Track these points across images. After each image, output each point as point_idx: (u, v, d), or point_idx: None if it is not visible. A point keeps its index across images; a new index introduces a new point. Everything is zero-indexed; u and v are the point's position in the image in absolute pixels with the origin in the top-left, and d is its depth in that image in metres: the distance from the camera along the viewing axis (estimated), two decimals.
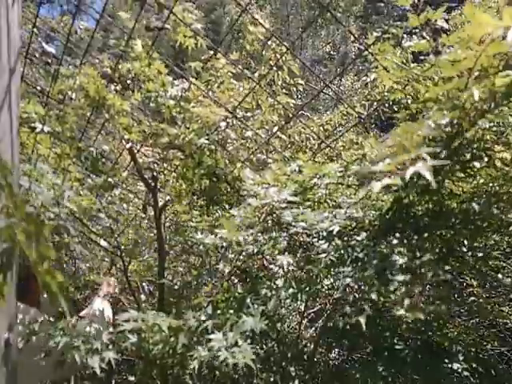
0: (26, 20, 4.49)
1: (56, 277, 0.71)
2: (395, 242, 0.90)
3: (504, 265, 1.42)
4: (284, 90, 3.94)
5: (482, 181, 1.07)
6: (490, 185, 1.03)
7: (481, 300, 1.91)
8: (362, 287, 0.89)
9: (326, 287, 1.24)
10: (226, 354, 0.96)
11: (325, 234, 1.09)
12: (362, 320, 0.83)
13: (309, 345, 2.31)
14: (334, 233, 1.05)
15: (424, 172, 0.78)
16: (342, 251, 0.97)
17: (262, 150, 3.61)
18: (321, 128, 4.50)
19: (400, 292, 0.81)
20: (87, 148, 2.58)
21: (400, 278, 0.82)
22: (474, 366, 1.10)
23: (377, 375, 0.94)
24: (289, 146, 4.08)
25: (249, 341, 0.96)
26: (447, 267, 0.91)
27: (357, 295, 0.91)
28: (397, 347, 1.02)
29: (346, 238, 1.02)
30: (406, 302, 0.82)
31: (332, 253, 0.99)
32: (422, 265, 0.85)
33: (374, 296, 0.82)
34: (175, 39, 2.78)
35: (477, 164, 0.94)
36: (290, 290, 1.05)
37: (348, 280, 0.88)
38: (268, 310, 0.96)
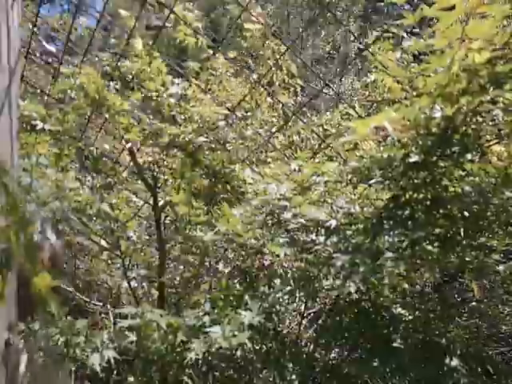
0: (26, 19, 4.49)
1: (46, 279, 0.71)
2: (388, 227, 0.92)
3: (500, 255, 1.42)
4: (282, 91, 3.95)
5: (477, 179, 1.07)
6: (486, 180, 1.04)
7: (482, 305, 1.91)
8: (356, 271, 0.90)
9: (324, 287, 1.25)
10: (222, 342, 0.96)
11: (323, 231, 1.09)
12: (352, 289, 0.85)
13: (308, 344, 2.31)
14: (332, 228, 1.06)
15: (386, 124, 0.85)
16: (339, 243, 0.98)
17: (261, 150, 3.61)
18: (320, 128, 4.49)
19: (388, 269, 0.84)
20: (87, 147, 2.58)
21: (389, 254, 0.86)
22: (473, 364, 1.11)
23: (375, 373, 0.94)
24: (288, 145, 4.08)
25: (246, 332, 0.96)
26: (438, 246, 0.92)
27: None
28: (395, 345, 1.03)
29: (342, 233, 1.03)
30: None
31: (329, 245, 1.01)
32: (413, 243, 0.87)
33: (362, 269, 0.84)
34: (175, 38, 2.78)
35: (469, 156, 0.96)
36: (288, 288, 1.05)
37: (341, 262, 0.90)
38: (266, 307, 0.96)
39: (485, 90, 0.94)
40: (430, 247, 0.89)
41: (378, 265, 0.84)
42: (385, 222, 0.94)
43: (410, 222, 0.91)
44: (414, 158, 0.93)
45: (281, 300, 1.01)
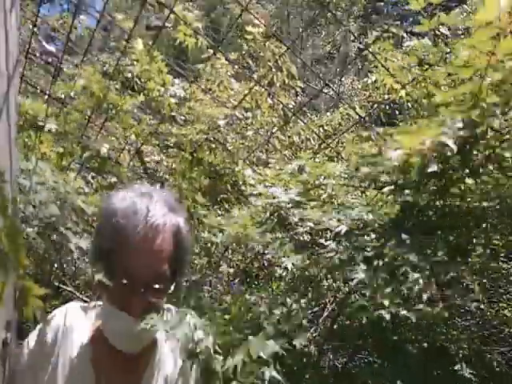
0: (26, 19, 4.49)
1: (33, 288, 0.67)
2: (406, 241, 0.90)
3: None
4: (283, 92, 3.95)
5: (490, 186, 1.06)
6: (501, 190, 1.03)
7: (484, 305, 1.90)
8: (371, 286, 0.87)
9: (332, 289, 1.24)
10: None
11: (332, 235, 1.08)
12: (387, 316, 0.80)
13: (308, 345, 2.31)
14: (342, 233, 1.05)
15: (447, 140, 0.81)
16: (352, 251, 0.95)
17: (261, 150, 3.62)
18: (320, 129, 4.50)
19: (413, 291, 0.81)
20: (89, 148, 2.58)
21: (415, 275, 0.81)
22: (479, 369, 1.10)
23: (381, 377, 0.93)
24: (289, 145, 4.09)
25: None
26: (459, 266, 0.91)
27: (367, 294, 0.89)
28: (404, 349, 1.02)
29: (354, 239, 1.02)
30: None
31: (341, 253, 0.98)
32: (434, 263, 0.84)
33: (387, 295, 0.81)
34: (175, 38, 2.78)
35: (490, 167, 0.94)
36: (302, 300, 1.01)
37: (359, 277, 0.87)
38: (284, 329, 0.91)
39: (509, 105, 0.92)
40: (452, 269, 0.87)
41: (399, 283, 0.81)
42: (401, 232, 0.92)
43: (427, 235, 0.89)
44: (433, 168, 0.90)
45: (294, 305, 0.98)
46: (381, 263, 0.90)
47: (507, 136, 0.96)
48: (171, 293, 1.07)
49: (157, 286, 1.01)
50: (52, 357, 1.07)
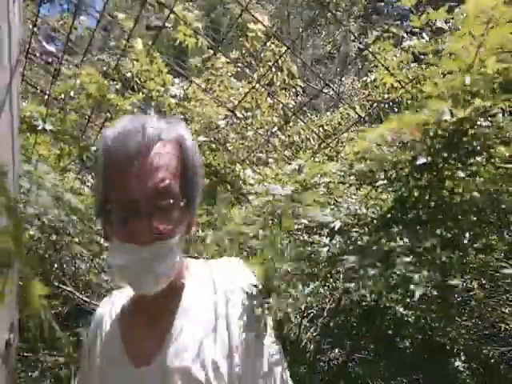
0: (26, 19, 4.49)
1: (37, 286, 0.66)
2: (397, 230, 0.89)
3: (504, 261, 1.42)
4: (283, 91, 3.96)
5: (481, 179, 1.07)
6: (491, 185, 1.03)
7: (482, 299, 1.91)
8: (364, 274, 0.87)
9: (328, 286, 1.25)
10: None
11: (327, 231, 1.09)
12: (366, 293, 0.81)
13: (309, 345, 2.31)
14: (336, 229, 1.05)
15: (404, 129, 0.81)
16: (344, 245, 0.95)
17: (261, 150, 3.62)
18: (320, 128, 4.51)
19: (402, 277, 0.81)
20: (91, 147, 2.58)
21: (405, 259, 0.81)
22: (476, 366, 1.11)
23: (378, 374, 0.94)
24: (289, 145, 4.09)
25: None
26: (449, 253, 0.91)
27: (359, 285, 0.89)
28: (399, 346, 1.02)
29: (347, 234, 1.01)
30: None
31: (333, 246, 0.98)
32: (424, 249, 0.84)
33: (371, 284, 0.81)
34: (175, 38, 2.79)
35: (478, 159, 0.94)
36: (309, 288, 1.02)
37: (350, 261, 0.87)
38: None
39: (496, 95, 0.92)
40: (439, 250, 0.87)
41: (392, 271, 0.81)
42: (393, 224, 0.92)
43: (418, 227, 0.89)
44: (422, 160, 0.90)
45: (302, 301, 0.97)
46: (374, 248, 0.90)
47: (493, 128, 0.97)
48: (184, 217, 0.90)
49: (163, 203, 0.85)
50: (91, 347, 1.04)
